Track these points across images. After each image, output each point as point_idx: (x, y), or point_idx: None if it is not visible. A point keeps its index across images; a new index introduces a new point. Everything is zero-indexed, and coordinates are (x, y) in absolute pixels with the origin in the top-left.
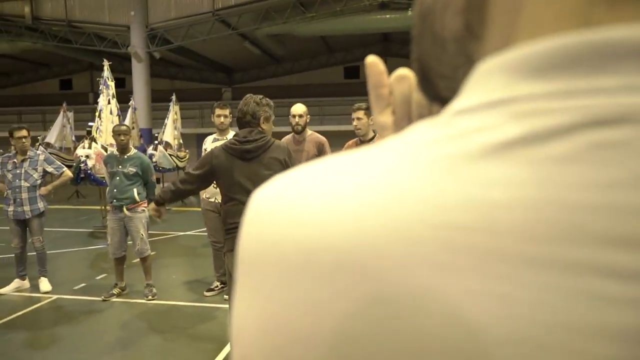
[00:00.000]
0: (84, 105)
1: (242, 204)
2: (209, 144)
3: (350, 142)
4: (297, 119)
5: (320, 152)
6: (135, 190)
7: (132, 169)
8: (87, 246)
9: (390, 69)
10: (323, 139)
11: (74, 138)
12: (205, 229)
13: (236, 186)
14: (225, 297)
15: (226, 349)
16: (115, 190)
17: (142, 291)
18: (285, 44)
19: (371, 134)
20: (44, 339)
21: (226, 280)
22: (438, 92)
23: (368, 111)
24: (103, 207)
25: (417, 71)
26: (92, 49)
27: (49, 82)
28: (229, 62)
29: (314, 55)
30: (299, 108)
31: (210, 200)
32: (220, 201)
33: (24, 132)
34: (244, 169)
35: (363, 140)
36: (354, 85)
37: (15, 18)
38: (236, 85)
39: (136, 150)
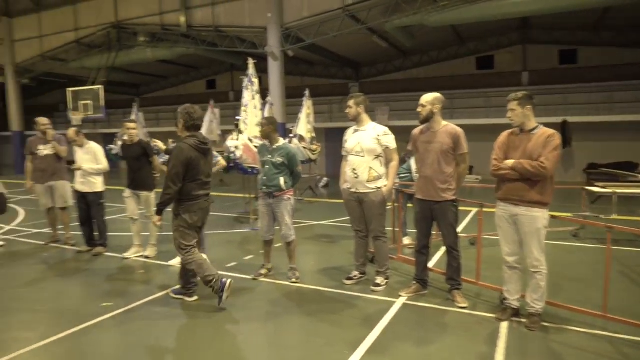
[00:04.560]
0: (226, 103)
1: (206, 184)
2: (349, 135)
3: (505, 133)
4: (419, 108)
5: (455, 144)
6: (282, 179)
7: (279, 159)
8: (233, 229)
9: (531, 57)
10: (459, 130)
11: (219, 132)
12: (340, 219)
13: (201, 174)
14: (373, 288)
15: (369, 339)
16: (265, 177)
17: (286, 274)
18: (414, 35)
19: (532, 125)
20: (207, 307)
21: (365, 271)
22: None
23: (523, 101)
24: (248, 195)
25: None
26: (234, 50)
27: (197, 83)
28: (356, 57)
29: (444, 46)
30: (422, 97)
31: (351, 190)
32: (361, 191)
33: None
34: (206, 161)
35: (523, 130)
36: (487, 77)
37: (173, 27)
38: (363, 80)
39: (284, 142)
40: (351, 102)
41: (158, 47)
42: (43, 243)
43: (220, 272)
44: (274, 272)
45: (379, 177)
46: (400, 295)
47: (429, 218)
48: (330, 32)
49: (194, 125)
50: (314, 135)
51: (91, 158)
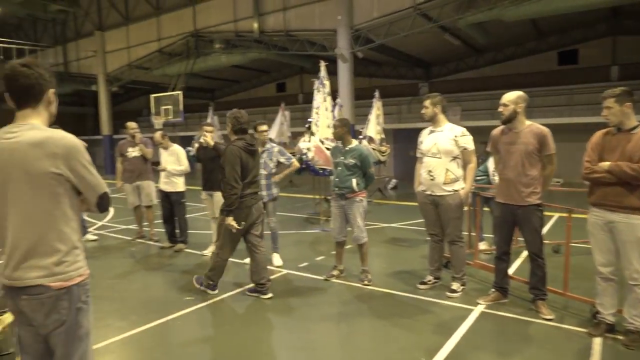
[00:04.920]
0: (295, 105)
1: (253, 184)
2: (425, 136)
3: (599, 132)
4: (500, 107)
5: (541, 144)
6: (354, 180)
7: (351, 160)
8: (303, 230)
9: (623, 50)
10: (545, 129)
11: (289, 134)
12: (410, 221)
13: (249, 174)
14: (449, 294)
15: (447, 347)
16: (337, 179)
17: (358, 275)
18: (488, 32)
19: (632, 123)
20: (281, 305)
21: (440, 276)
22: None
23: (621, 97)
24: (318, 196)
25: None
26: (304, 53)
27: (267, 86)
28: (426, 56)
29: (521, 42)
30: (504, 96)
31: (426, 192)
32: (437, 193)
33: (265, 127)
34: (254, 162)
35: (621, 129)
36: (570, 72)
37: (246, 33)
38: (433, 80)
39: (356, 142)
40: (427, 102)
41: (232, 52)
42: (130, 238)
43: (291, 272)
44: (346, 274)
45: (455, 180)
46: (479, 303)
47: (510, 222)
48: (401, 31)
49: (241, 129)
50: (383, 136)
51: (174, 159)
